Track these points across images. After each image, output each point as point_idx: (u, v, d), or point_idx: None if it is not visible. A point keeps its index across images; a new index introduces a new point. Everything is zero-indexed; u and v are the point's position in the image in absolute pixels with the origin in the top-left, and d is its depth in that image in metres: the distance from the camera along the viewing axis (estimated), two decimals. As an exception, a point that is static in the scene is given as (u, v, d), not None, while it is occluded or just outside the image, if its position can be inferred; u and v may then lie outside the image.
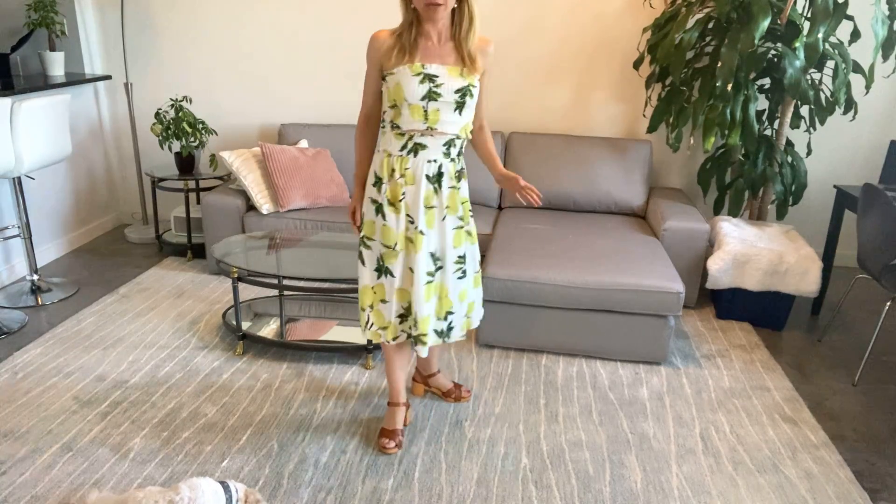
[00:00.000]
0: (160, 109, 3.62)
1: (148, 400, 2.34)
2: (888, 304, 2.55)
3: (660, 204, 3.33)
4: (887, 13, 2.83)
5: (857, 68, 3.04)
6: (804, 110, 3.35)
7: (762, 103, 3.33)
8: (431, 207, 1.87)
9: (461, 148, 1.89)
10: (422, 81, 1.73)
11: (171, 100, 3.63)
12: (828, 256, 3.20)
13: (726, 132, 3.00)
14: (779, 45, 3.02)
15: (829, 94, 3.12)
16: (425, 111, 1.75)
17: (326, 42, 3.83)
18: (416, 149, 1.81)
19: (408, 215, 1.86)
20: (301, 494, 1.88)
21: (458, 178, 1.90)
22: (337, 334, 2.74)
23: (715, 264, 3.02)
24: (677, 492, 1.94)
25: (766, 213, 3.47)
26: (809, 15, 2.92)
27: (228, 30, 3.88)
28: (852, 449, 2.20)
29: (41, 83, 3.40)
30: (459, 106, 1.78)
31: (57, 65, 3.68)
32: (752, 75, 3.04)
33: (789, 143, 3.35)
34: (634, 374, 2.60)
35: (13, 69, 3.72)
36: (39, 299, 3.15)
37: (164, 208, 4.15)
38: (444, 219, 1.89)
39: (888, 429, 2.33)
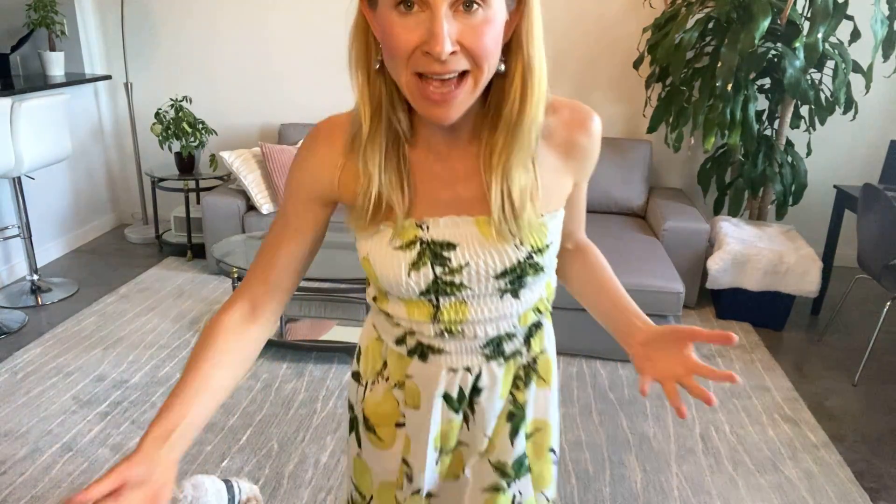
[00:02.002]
0: (160, 109, 3.62)
1: (148, 400, 2.34)
2: (888, 303, 2.55)
3: (660, 204, 3.33)
4: (887, 13, 2.83)
5: (856, 68, 3.04)
6: (804, 110, 3.35)
7: (762, 103, 3.33)
8: (457, 448, 0.97)
9: (537, 322, 0.96)
10: (419, 260, 0.83)
11: (171, 100, 3.63)
12: (828, 256, 3.20)
13: (726, 132, 3.00)
14: (779, 45, 3.02)
15: (828, 93, 3.12)
16: (435, 308, 0.87)
17: (327, 41, 3.83)
18: (426, 352, 0.91)
19: (404, 460, 0.97)
20: (301, 494, 1.88)
21: (529, 380, 0.97)
22: (337, 334, 2.74)
23: (715, 264, 3.02)
24: (677, 492, 1.94)
25: (766, 213, 3.47)
26: (809, 15, 2.92)
27: (228, 29, 3.88)
28: (852, 449, 2.20)
29: (41, 83, 3.40)
30: (512, 291, 0.87)
31: (57, 65, 3.68)
32: (752, 75, 3.04)
33: (789, 143, 3.35)
34: (634, 374, 2.60)
35: (13, 69, 3.72)
36: (39, 299, 3.15)
37: (164, 208, 4.15)
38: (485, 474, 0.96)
39: (888, 429, 2.33)
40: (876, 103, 3.56)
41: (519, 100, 0.75)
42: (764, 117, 3.34)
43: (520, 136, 0.77)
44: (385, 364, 0.96)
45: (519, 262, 0.83)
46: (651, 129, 3.35)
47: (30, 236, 3.15)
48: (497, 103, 0.77)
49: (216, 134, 3.84)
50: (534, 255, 0.83)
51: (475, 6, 0.67)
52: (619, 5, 3.54)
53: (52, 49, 3.66)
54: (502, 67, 0.74)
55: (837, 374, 2.70)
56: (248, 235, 3.01)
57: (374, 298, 0.92)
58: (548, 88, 0.77)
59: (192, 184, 3.67)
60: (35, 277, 3.21)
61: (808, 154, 3.41)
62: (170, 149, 3.64)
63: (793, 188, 3.30)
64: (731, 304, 3.10)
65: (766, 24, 2.70)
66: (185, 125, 3.53)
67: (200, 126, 3.60)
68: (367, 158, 0.79)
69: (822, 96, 3.11)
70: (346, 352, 2.70)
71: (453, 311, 0.86)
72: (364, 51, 0.76)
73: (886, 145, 3.63)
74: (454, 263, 0.82)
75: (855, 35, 3.06)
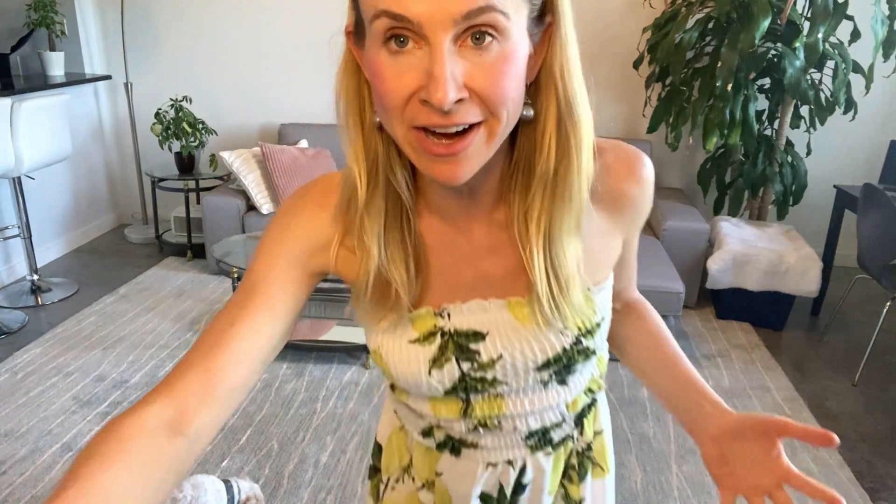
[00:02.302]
0: (160, 109, 3.62)
1: (148, 400, 2.34)
2: (888, 304, 2.55)
3: (660, 204, 3.33)
4: (887, 13, 2.83)
5: (856, 68, 3.04)
6: (804, 110, 3.35)
7: (762, 103, 3.33)
8: None
9: (590, 403, 0.85)
10: (441, 356, 0.69)
11: (171, 100, 3.63)
12: (828, 256, 3.20)
13: (726, 132, 3.00)
14: (779, 45, 3.02)
15: (828, 93, 3.12)
16: (465, 403, 0.73)
17: (328, 41, 3.83)
18: (458, 446, 0.76)
19: None
20: (301, 494, 1.88)
21: (584, 471, 0.82)
22: (337, 334, 2.74)
23: (715, 264, 3.02)
24: (677, 492, 1.94)
25: (766, 213, 3.47)
26: (809, 15, 2.92)
27: (229, 29, 3.88)
28: (852, 449, 2.20)
29: (41, 83, 3.40)
30: (559, 380, 0.73)
31: (57, 65, 3.68)
32: (752, 75, 3.04)
33: (789, 143, 3.35)
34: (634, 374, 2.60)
35: (13, 69, 3.72)
36: (39, 299, 3.15)
37: (164, 208, 4.16)
38: None
39: (888, 429, 2.33)
40: (876, 103, 3.56)
41: (556, 149, 0.60)
42: (764, 117, 3.34)
43: (564, 195, 0.61)
44: (408, 466, 0.81)
45: (564, 349, 0.68)
46: (651, 129, 3.34)
47: (30, 236, 3.15)
48: (527, 156, 0.62)
49: (216, 134, 3.84)
50: (582, 339, 0.68)
51: (488, 38, 0.51)
52: (619, 5, 3.54)
53: (52, 49, 3.66)
54: (530, 113, 0.59)
55: (837, 374, 2.70)
56: (248, 235, 3.01)
57: (392, 387, 0.77)
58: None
59: (192, 184, 3.67)
60: (35, 277, 3.21)
61: (808, 154, 3.41)
62: (170, 149, 3.64)
63: (793, 188, 3.30)
64: (731, 304, 3.10)
65: (766, 24, 2.70)
66: (185, 125, 3.53)
67: (200, 126, 3.60)
68: (363, 230, 0.64)
69: (823, 96, 3.11)
70: (345, 352, 2.70)
71: (487, 406, 0.71)
72: (356, 97, 0.61)
73: (886, 145, 3.63)
74: (484, 357, 0.68)
75: (855, 35, 3.06)
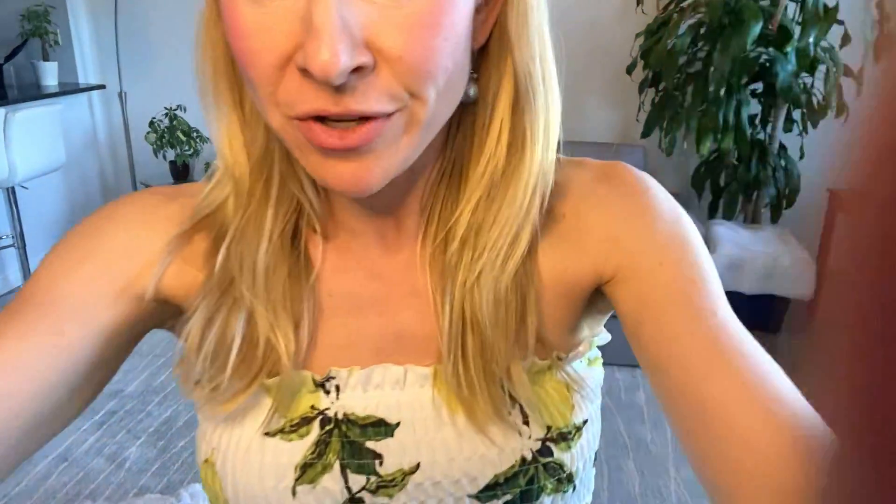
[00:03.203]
0: (154, 118, 3.62)
1: (144, 409, 2.33)
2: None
3: (654, 208, 3.34)
4: (877, 18, 2.85)
5: (848, 72, 3.06)
6: (796, 114, 3.37)
7: (755, 107, 3.35)
8: None
9: None
10: (318, 460, 0.43)
11: (166, 108, 3.63)
12: (822, 259, 3.22)
13: (719, 136, 3.02)
14: (770, 49, 3.04)
15: (820, 97, 3.14)
16: None
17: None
18: None
19: None
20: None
21: None
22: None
23: (710, 268, 3.03)
24: (675, 496, 1.94)
25: (761, 216, 3.48)
26: (800, 20, 2.94)
27: (222, 38, 3.88)
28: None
29: (35, 93, 3.40)
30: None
31: (50, 74, 3.68)
32: (745, 80, 3.06)
33: (782, 147, 3.37)
34: (631, 377, 2.60)
35: (6, 79, 3.71)
36: (34, 309, 3.14)
37: (159, 217, 4.14)
38: None
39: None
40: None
41: (507, 144, 0.42)
42: (757, 121, 3.36)
43: (507, 208, 0.42)
44: None
45: (524, 459, 0.44)
46: (645, 134, 3.36)
47: (23, 246, 3.14)
48: (464, 152, 0.44)
49: (211, 142, 3.84)
50: (552, 445, 0.45)
51: None
52: (611, 11, 3.55)
53: (46, 59, 3.66)
54: (473, 92, 0.41)
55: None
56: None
57: None
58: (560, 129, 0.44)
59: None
60: (29, 287, 3.20)
61: (802, 157, 3.42)
62: (164, 158, 3.63)
63: (786, 191, 3.32)
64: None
65: (757, 29, 2.72)
66: (179, 134, 3.54)
67: (195, 135, 3.60)
68: (233, 255, 0.43)
69: (815, 100, 3.14)
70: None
71: None
72: (228, 64, 0.44)
73: (878, 148, 3.66)
74: (389, 467, 0.43)
75: (846, 39, 3.08)
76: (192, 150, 3.59)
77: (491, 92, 0.41)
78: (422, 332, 0.46)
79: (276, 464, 0.43)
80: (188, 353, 0.44)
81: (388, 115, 0.36)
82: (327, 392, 0.44)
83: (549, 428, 0.45)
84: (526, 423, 0.44)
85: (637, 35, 3.40)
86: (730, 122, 2.99)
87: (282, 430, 0.43)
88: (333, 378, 0.44)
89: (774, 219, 3.42)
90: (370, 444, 0.43)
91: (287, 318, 0.43)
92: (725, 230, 3.24)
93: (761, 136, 3.40)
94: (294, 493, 0.42)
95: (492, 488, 0.43)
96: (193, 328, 0.43)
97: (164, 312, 0.47)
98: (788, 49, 2.85)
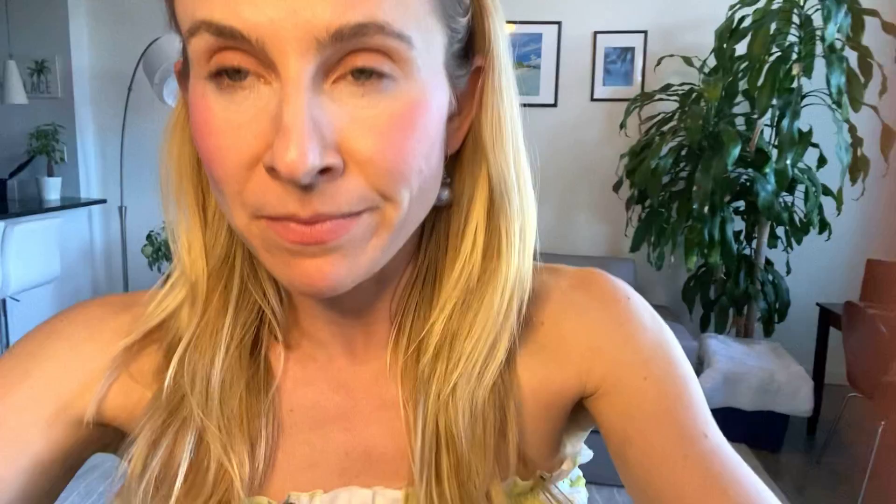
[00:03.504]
0: (152, 231, 3.68)
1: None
2: (882, 424, 2.50)
3: (647, 322, 3.34)
4: (850, 141, 3.00)
5: (826, 191, 3.18)
6: (780, 231, 3.46)
7: (739, 224, 3.45)
8: None
9: None
10: None
11: (164, 222, 3.69)
12: (818, 374, 3.19)
13: (706, 251, 3.08)
14: (750, 170, 3.18)
15: (802, 215, 3.24)
16: None
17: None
18: None
19: None
20: None
21: None
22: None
23: (706, 382, 2.99)
24: None
25: (753, 330, 3.48)
26: (776, 143, 3.09)
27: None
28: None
29: (36, 207, 3.47)
30: None
31: (53, 189, 3.77)
32: (727, 198, 3.17)
33: (769, 262, 3.43)
34: (611, 497, 2.49)
35: (10, 193, 3.81)
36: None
37: (149, 329, 4.10)
38: None
39: (899, 558, 2.22)
40: (849, 224, 3.69)
41: (482, 248, 0.41)
42: (742, 237, 3.44)
43: (483, 316, 0.40)
44: None
45: None
46: (633, 249, 3.43)
47: (8, 359, 3.08)
48: (437, 257, 0.43)
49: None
50: None
51: (376, 76, 0.33)
52: (596, 133, 3.74)
53: (51, 174, 3.77)
54: (446, 195, 0.41)
55: (839, 498, 2.60)
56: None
57: None
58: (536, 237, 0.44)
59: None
60: (9, 402, 3.10)
61: (789, 272, 3.48)
62: (159, 269, 3.65)
63: (777, 306, 3.34)
64: (726, 424, 2.98)
65: (736, 151, 2.85)
66: (175, 247, 3.58)
67: (191, 247, 3.65)
68: (185, 368, 0.41)
69: (797, 218, 3.24)
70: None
71: None
72: (194, 165, 0.44)
73: (863, 263, 3.72)
74: None
75: (822, 161, 3.23)
76: (186, 262, 3.62)
77: (466, 196, 0.41)
78: (392, 449, 0.43)
79: None
80: (129, 480, 0.40)
81: (357, 215, 0.35)
82: None
83: None
84: None
85: (622, 156, 3.56)
86: (715, 238, 3.07)
87: None
88: (295, 502, 0.40)
89: (767, 333, 3.42)
90: None
91: (242, 439, 0.40)
92: (718, 344, 3.23)
93: (747, 251, 3.47)
94: None
95: None
96: (137, 452, 0.40)
97: (106, 436, 0.43)
98: (767, 170, 2.97)
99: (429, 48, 0.35)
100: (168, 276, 0.44)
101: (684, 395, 0.44)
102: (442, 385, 0.40)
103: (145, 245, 3.61)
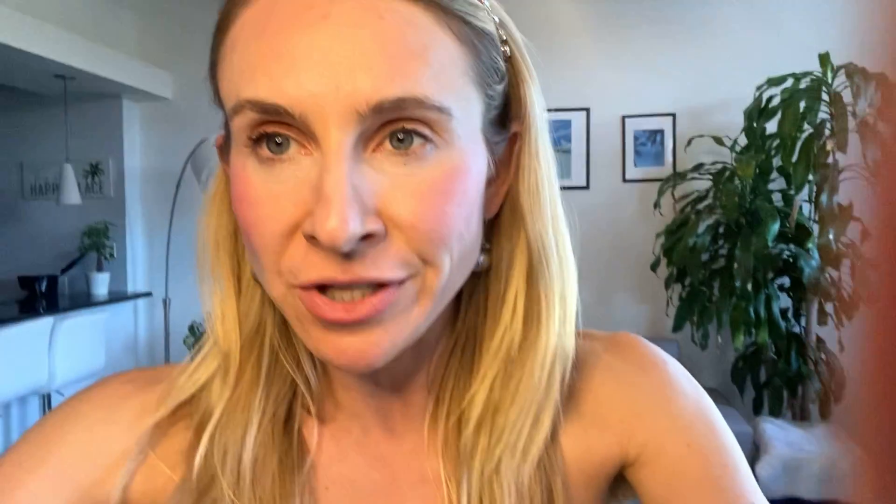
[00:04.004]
0: (194, 322, 3.74)
1: None
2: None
3: (695, 406, 3.21)
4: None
5: (873, 265, 3.09)
6: (829, 307, 3.35)
7: (785, 301, 3.35)
8: None
9: None
10: None
11: (207, 313, 3.76)
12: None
13: (753, 330, 2.98)
14: (791, 246, 3.12)
15: (850, 290, 3.14)
16: None
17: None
18: None
19: None
20: None
21: None
22: None
23: (764, 470, 2.82)
24: None
25: (810, 412, 3.31)
26: (817, 218, 3.04)
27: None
28: None
29: (84, 302, 3.58)
30: None
31: (102, 284, 3.90)
32: (771, 275, 3.10)
33: (820, 340, 3.30)
34: None
35: (60, 289, 3.94)
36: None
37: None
38: None
39: None
40: (901, 298, 3.55)
41: (523, 316, 0.40)
42: (790, 315, 3.34)
43: (524, 387, 0.39)
44: None
45: None
46: (676, 328, 3.34)
47: (51, 454, 3.09)
48: (476, 325, 0.42)
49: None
50: None
51: (418, 140, 0.33)
52: (630, 214, 3.74)
53: (100, 270, 3.91)
54: (483, 260, 0.40)
55: None
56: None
57: None
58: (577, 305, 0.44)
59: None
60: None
61: (842, 350, 3.33)
62: (200, 361, 3.69)
63: (832, 386, 3.18)
64: (789, 516, 2.84)
65: (775, 227, 2.81)
66: (216, 338, 3.63)
67: (231, 338, 3.69)
68: (216, 447, 0.39)
69: (845, 293, 3.13)
70: None
71: None
72: (231, 237, 0.45)
73: (921, 339, 3.56)
74: None
75: (866, 235, 3.15)
76: (227, 353, 3.66)
77: (504, 262, 0.40)
78: None
79: None
80: None
81: (401, 283, 0.34)
82: None
83: None
84: None
85: (658, 235, 3.54)
86: (762, 316, 2.98)
87: None
88: None
89: (824, 415, 3.24)
90: None
91: None
92: (775, 428, 3.07)
93: (796, 329, 3.35)
94: None
95: None
96: None
97: None
98: (810, 245, 2.91)
99: (467, 116, 0.35)
100: (199, 349, 0.43)
101: (729, 464, 0.42)
102: (485, 460, 0.39)
103: (187, 336, 3.66)
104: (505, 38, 0.38)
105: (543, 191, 0.40)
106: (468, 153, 0.35)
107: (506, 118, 0.40)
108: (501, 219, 0.41)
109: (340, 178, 0.31)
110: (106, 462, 0.40)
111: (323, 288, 0.34)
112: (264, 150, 0.34)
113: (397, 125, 0.33)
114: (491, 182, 0.39)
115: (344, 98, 0.31)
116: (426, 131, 0.33)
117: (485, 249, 0.40)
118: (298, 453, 0.41)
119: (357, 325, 0.34)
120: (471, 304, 0.42)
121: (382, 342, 0.34)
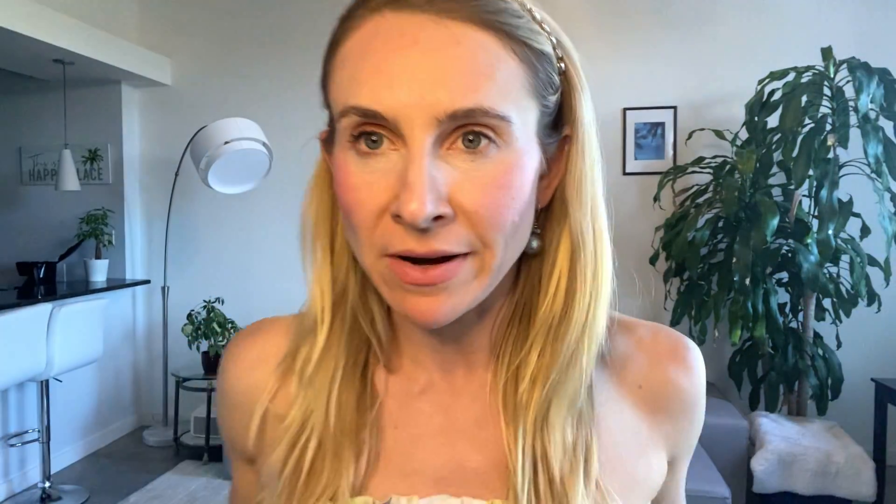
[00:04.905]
0: (193, 311, 3.74)
1: None
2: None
3: (692, 399, 3.22)
4: (893, 210, 2.94)
5: (873, 261, 3.09)
6: (827, 303, 3.35)
7: (783, 296, 3.35)
8: None
9: None
10: None
11: (205, 301, 3.76)
12: (878, 455, 2.99)
13: (750, 325, 2.99)
14: (791, 241, 3.12)
15: (849, 286, 3.14)
16: None
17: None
18: None
19: None
20: None
21: None
22: None
23: (759, 465, 2.83)
24: None
25: (806, 407, 3.32)
26: (817, 213, 3.04)
27: (262, 234, 4.13)
28: None
29: (83, 289, 3.57)
30: None
31: (100, 271, 3.90)
32: (769, 270, 3.09)
33: (818, 336, 3.30)
34: None
35: (58, 276, 3.94)
36: (47, 508, 3.01)
37: (186, 409, 4.11)
38: None
39: None
40: (899, 294, 3.55)
41: (565, 291, 0.48)
42: (787, 310, 3.34)
43: (563, 351, 0.47)
44: None
45: None
46: (674, 323, 3.34)
47: (48, 440, 3.09)
48: (529, 298, 0.50)
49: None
50: None
51: (484, 141, 0.42)
52: (630, 207, 3.74)
53: (98, 257, 3.90)
54: (535, 244, 0.49)
55: None
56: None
57: None
58: (614, 293, 0.53)
59: (216, 383, 3.67)
60: (47, 485, 3.10)
61: (839, 346, 3.34)
62: (198, 349, 3.69)
63: (829, 382, 3.19)
64: (783, 510, 2.85)
65: (774, 222, 2.81)
66: (215, 325, 3.63)
67: (230, 326, 3.69)
68: (309, 383, 0.50)
69: (843, 289, 3.13)
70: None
71: None
72: (326, 217, 0.52)
73: (918, 336, 3.57)
74: None
75: (865, 231, 3.15)
76: (225, 340, 3.66)
77: (553, 245, 0.49)
78: (485, 465, 0.49)
79: None
80: (267, 480, 0.51)
81: (464, 257, 0.43)
82: None
83: None
84: None
85: (657, 228, 3.53)
86: (759, 311, 2.98)
87: None
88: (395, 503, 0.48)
89: (821, 410, 3.25)
90: None
91: (351, 447, 0.49)
92: (771, 423, 3.08)
93: (794, 324, 3.36)
94: None
95: None
96: (276, 456, 0.50)
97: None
98: (809, 240, 2.91)
99: (524, 122, 0.44)
100: (304, 306, 0.54)
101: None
102: (538, 411, 0.47)
103: (185, 324, 3.66)
104: (561, 55, 0.47)
105: (586, 187, 0.48)
106: (524, 153, 0.44)
107: (559, 122, 0.48)
108: (552, 209, 0.49)
109: (421, 170, 0.40)
110: (256, 406, 0.53)
111: (404, 259, 0.43)
112: (362, 146, 0.43)
113: (468, 129, 0.42)
114: (543, 177, 0.47)
115: (426, 107, 0.40)
116: (490, 134, 0.42)
117: (536, 234, 0.48)
118: (371, 396, 0.51)
119: (429, 289, 0.43)
120: (527, 281, 0.50)
121: (446, 305, 0.43)
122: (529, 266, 0.50)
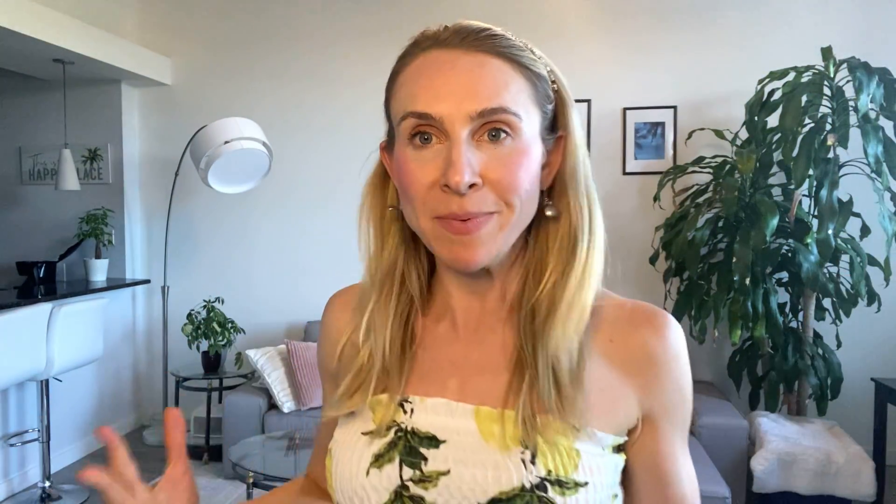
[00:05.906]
0: (193, 310, 3.74)
1: None
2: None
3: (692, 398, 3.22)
4: (893, 210, 2.94)
5: (873, 261, 3.09)
6: (827, 302, 3.35)
7: (783, 296, 3.35)
8: None
9: None
10: (386, 453, 0.64)
11: (205, 301, 3.76)
12: (878, 455, 3.00)
13: (750, 324, 2.98)
14: (790, 241, 3.11)
15: (849, 286, 3.14)
16: None
17: (353, 242, 4.03)
18: None
19: None
20: None
21: None
22: None
23: (759, 465, 2.83)
24: None
25: (805, 407, 3.32)
26: (816, 213, 3.04)
27: (261, 235, 4.13)
28: None
29: (83, 288, 3.57)
30: None
31: (100, 271, 3.90)
32: (769, 270, 3.09)
33: (817, 335, 3.30)
34: None
35: (58, 275, 3.94)
36: (47, 508, 3.01)
37: (186, 408, 4.11)
38: None
39: None
40: (899, 294, 3.55)
41: (568, 243, 0.64)
42: (787, 310, 3.34)
43: (570, 298, 0.62)
44: None
45: (523, 487, 0.58)
46: (674, 323, 3.34)
47: (48, 440, 3.09)
48: (542, 253, 0.65)
49: (244, 332, 3.91)
50: (549, 484, 0.58)
51: (503, 134, 0.59)
52: (630, 206, 3.74)
53: (98, 257, 3.90)
54: (554, 212, 0.65)
55: None
56: (266, 436, 2.93)
57: None
58: (604, 267, 0.67)
59: (215, 382, 3.67)
60: (47, 485, 3.10)
61: (839, 346, 3.34)
62: (198, 348, 3.69)
63: (829, 381, 3.19)
64: (783, 510, 2.85)
65: (774, 222, 2.81)
66: (215, 325, 3.63)
67: (230, 325, 3.69)
68: (371, 326, 0.68)
69: (843, 289, 3.13)
70: None
71: None
72: (380, 200, 0.70)
73: (918, 336, 3.56)
74: (430, 467, 0.62)
75: (865, 231, 3.15)
76: (225, 340, 3.65)
77: (562, 213, 0.65)
78: (479, 382, 0.65)
79: (362, 455, 0.65)
80: (328, 396, 0.77)
81: (490, 214, 0.60)
82: (404, 410, 0.66)
83: (549, 470, 0.60)
84: (533, 462, 0.60)
85: (657, 228, 3.53)
86: (759, 311, 2.97)
87: (371, 432, 0.66)
88: (411, 400, 0.66)
89: (820, 410, 3.25)
90: (422, 450, 0.63)
91: (396, 374, 0.67)
92: (771, 423, 3.08)
93: (794, 324, 3.36)
94: (367, 473, 0.64)
95: (496, 502, 0.59)
96: (349, 375, 0.69)
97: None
98: (809, 240, 2.91)
99: (530, 123, 0.62)
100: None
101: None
102: (549, 338, 0.61)
103: (185, 324, 3.66)
104: (553, 79, 0.65)
105: (579, 172, 0.65)
106: (531, 144, 0.61)
107: (555, 126, 0.65)
108: (556, 189, 0.66)
109: (461, 152, 0.58)
110: (333, 352, 0.73)
111: (448, 220, 0.59)
112: (417, 142, 0.61)
113: (491, 125, 0.59)
114: (544, 166, 0.64)
115: (463, 111, 0.58)
116: (507, 129, 0.60)
117: (550, 205, 0.65)
118: (411, 338, 0.70)
119: (468, 239, 0.59)
120: (536, 243, 0.66)
121: (480, 252, 0.60)
122: (539, 232, 0.66)
